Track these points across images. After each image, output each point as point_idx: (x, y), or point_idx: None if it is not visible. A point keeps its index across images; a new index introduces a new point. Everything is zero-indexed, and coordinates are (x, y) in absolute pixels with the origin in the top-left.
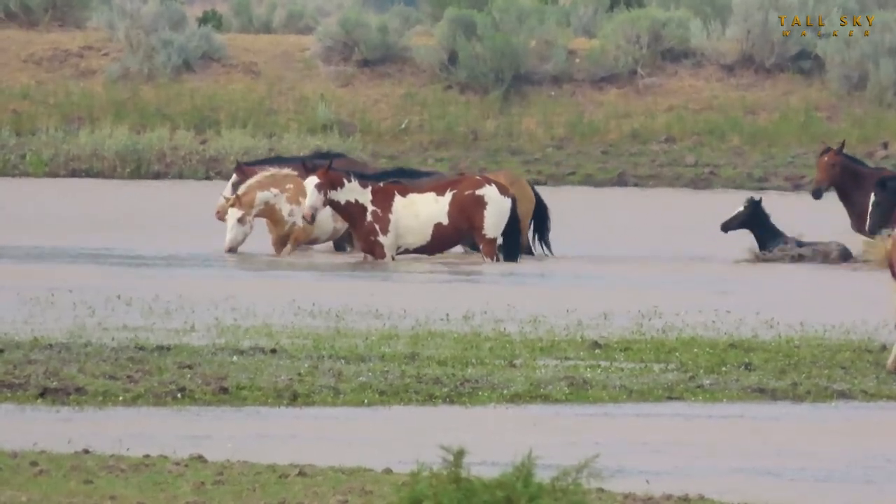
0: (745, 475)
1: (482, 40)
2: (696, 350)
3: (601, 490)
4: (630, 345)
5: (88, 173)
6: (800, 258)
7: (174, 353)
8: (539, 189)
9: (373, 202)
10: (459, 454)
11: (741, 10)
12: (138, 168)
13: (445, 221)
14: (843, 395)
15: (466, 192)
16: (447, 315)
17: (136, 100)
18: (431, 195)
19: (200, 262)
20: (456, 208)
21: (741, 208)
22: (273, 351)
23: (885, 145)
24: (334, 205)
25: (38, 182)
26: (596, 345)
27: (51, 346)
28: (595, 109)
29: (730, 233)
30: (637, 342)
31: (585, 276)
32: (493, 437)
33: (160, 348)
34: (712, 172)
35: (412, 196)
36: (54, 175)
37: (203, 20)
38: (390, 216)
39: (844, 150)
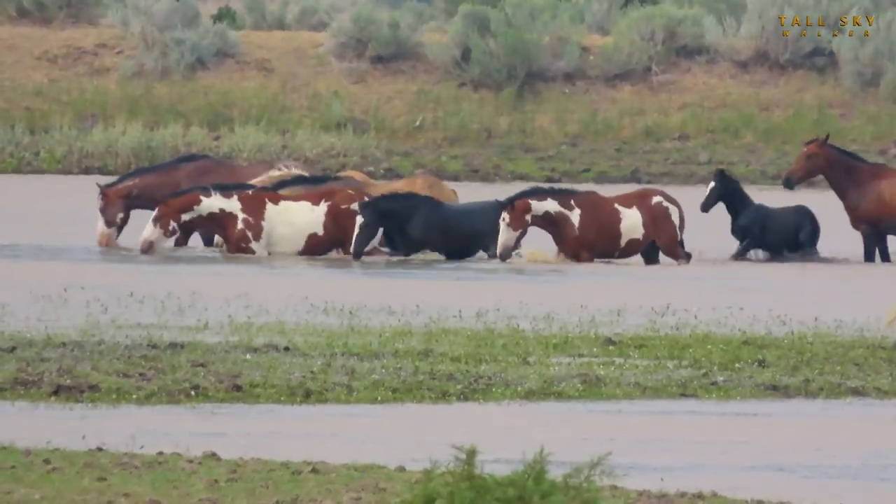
0: (759, 472)
1: (496, 37)
2: (709, 347)
3: (615, 487)
4: (644, 342)
5: (102, 170)
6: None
7: (187, 351)
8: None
9: (243, 210)
10: (472, 454)
11: (755, 8)
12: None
13: (321, 232)
14: (857, 392)
15: (343, 207)
16: (460, 312)
17: (149, 97)
18: (306, 204)
19: (213, 259)
20: (331, 219)
21: (712, 184)
22: (286, 348)
23: None
24: (196, 222)
25: (52, 179)
26: (609, 341)
27: (64, 343)
28: (609, 107)
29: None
30: (651, 339)
31: (598, 272)
32: (506, 435)
33: (173, 346)
34: None
35: (285, 204)
36: (68, 172)
37: (217, 17)
38: (263, 223)
39: (830, 142)
